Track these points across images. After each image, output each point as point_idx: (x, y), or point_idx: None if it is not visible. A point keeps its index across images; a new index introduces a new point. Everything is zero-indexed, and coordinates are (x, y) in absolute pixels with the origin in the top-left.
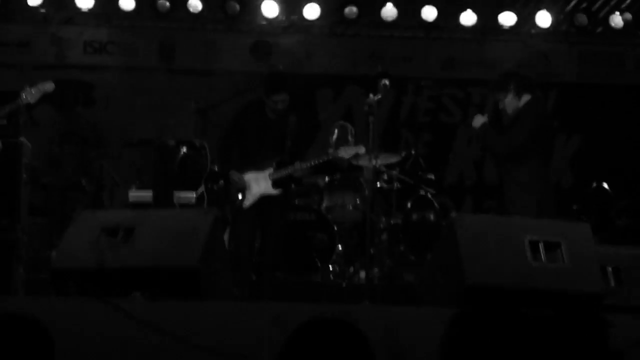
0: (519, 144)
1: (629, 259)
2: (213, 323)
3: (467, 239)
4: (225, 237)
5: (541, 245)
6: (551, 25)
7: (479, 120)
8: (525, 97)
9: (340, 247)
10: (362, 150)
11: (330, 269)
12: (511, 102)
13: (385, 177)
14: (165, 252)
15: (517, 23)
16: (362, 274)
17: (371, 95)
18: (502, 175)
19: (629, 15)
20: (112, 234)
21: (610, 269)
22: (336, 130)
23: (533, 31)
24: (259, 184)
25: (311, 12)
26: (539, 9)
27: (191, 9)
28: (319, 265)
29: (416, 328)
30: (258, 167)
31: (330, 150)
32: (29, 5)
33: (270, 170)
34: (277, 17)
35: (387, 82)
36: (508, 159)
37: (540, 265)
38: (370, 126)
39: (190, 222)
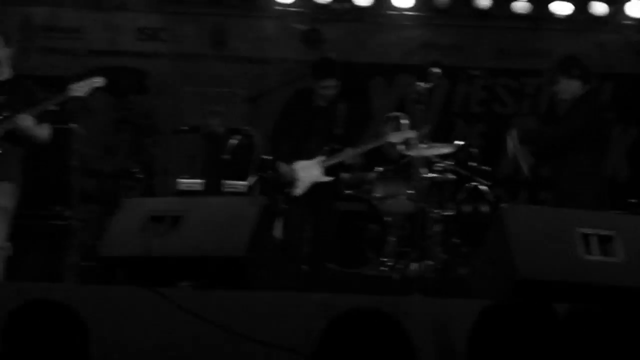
0: (572, 133)
1: None
2: (260, 313)
3: (518, 231)
4: (279, 226)
5: (594, 239)
6: (608, 15)
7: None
8: (585, 86)
9: (391, 238)
10: (412, 134)
11: (382, 260)
12: (569, 87)
13: (438, 167)
14: (212, 241)
15: (573, 12)
16: (415, 267)
17: (421, 84)
18: (556, 167)
19: None
20: (160, 222)
21: None
22: (389, 122)
23: (588, 21)
24: (310, 172)
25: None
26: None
27: None
28: (370, 257)
29: (466, 321)
30: (308, 155)
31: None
32: None
33: (322, 157)
34: (329, 5)
35: (438, 70)
36: (562, 149)
37: (593, 259)
38: (419, 114)
39: (238, 210)
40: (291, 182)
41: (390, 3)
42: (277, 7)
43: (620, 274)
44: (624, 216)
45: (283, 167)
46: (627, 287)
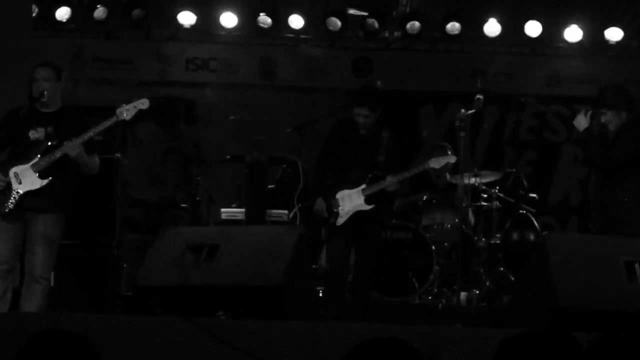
0: (620, 159)
1: None
2: (297, 343)
3: (560, 259)
4: (323, 256)
5: (637, 267)
6: None
7: (581, 123)
8: (629, 114)
9: (437, 267)
10: (453, 159)
11: (428, 289)
12: (615, 118)
13: (485, 195)
14: (249, 270)
15: (624, 38)
16: (461, 296)
17: (462, 110)
18: (602, 194)
19: None
20: (197, 251)
21: None
22: (434, 150)
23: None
24: (352, 201)
25: (412, 27)
26: None
27: (292, 25)
28: (416, 285)
29: None
30: (351, 184)
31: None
32: (131, 22)
33: (363, 185)
34: (378, 33)
35: (480, 97)
36: (609, 176)
37: (637, 288)
38: (461, 141)
39: (275, 239)
40: (330, 214)
41: (440, 30)
42: (327, 36)
43: None
44: None
45: (319, 203)
46: None
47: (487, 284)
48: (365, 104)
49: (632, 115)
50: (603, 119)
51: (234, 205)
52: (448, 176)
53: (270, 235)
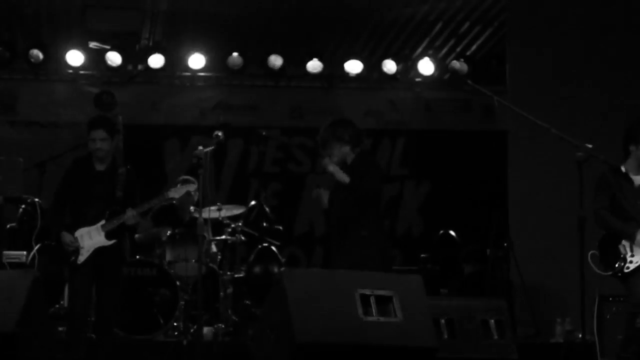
0: (369, 192)
1: (461, 310)
2: None
3: (297, 295)
4: (65, 295)
5: (372, 299)
6: (397, 72)
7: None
8: (355, 149)
9: (182, 302)
10: (192, 187)
11: (174, 325)
12: (344, 152)
13: (230, 229)
14: None
15: (364, 71)
16: (206, 331)
17: (200, 147)
18: (338, 228)
19: (465, 66)
20: None
21: (443, 321)
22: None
23: (379, 79)
24: (91, 238)
25: (156, 62)
26: (386, 57)
27: (32, 59)
28: (161, 322)
29: None
30: (90, 221)
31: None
32: None
33: (103, 221)
34: (121, 67)
35: (219, 133)
36: (351, 210)
37: (373, 320)
38: (200, 178)
39: (8, 284)
40: (75, 250)
41: (184, 64)
42: (69, 71)
43: (400, 333)
44: (401, 275)
45: (66, 236)
46: (406, 346)
47: (233, 317)
48: (101, 126)
49: (356, 151)
50: (327, 153)
51: None
52: (192, 209)
53: (3, 281)
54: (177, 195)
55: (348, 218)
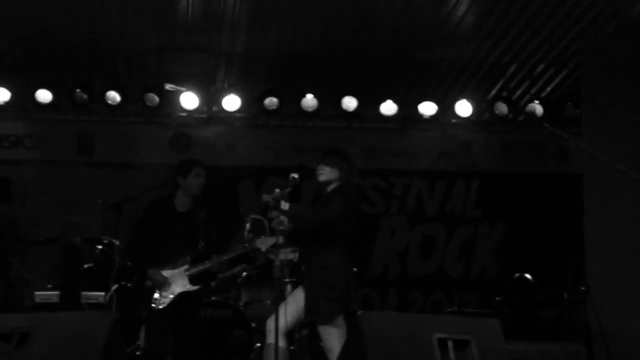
0: (333, 219)
1: (539, 355)
2: None
3: (375, 338)
4: (141, 335)
5: (450, 343)
6: (472, 114)
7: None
8: (342, 175)
9: (258, 344)
10: (280, 240)
11: None
12: (330, 174)
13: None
14: (62, 358)
15: (438, 113)
16: None
17: (276, 190)
18: (305, 258)
19: (540, 108)
20: (6, 340)
21: None
22: (248, 224)
23: (454, 120)
24: (175, 282)
25: (231, 103)
26: (459, 98)
27: (109, 101)
28: None
29: None
30: (171, 264)
31: (247, 243)
32: None
33: (186, 266)
34: (196, 109)
35: (295, 175)
36: (318, 240)
37: None
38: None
39: (88, 325)
40: (162, 287)
41: (258, 105)
42: (145, 112)
43: None
44: (479, 319)
45: (154, 273)
46: None
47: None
48: (200, 164)
49: (343, 178)
50: (320, 175)
51: (48, 287)
52: (264, 249)
53: (83, 322)
54: (263, 248)
55: (312, 246)
